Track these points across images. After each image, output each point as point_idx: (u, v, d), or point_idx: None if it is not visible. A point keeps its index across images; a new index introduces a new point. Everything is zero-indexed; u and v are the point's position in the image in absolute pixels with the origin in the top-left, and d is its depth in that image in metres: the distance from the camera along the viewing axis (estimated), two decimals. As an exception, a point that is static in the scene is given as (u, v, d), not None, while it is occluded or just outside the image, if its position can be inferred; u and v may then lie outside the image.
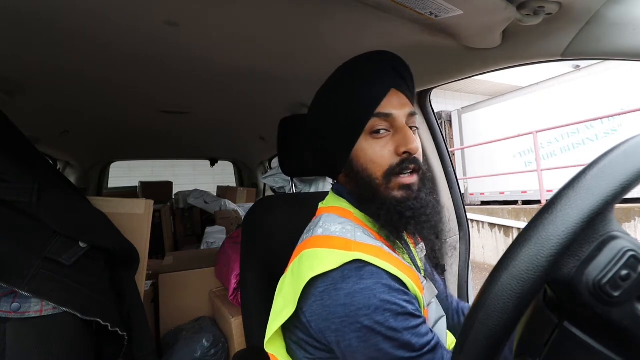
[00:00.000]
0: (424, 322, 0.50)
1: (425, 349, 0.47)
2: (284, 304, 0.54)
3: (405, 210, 0.55)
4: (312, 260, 0.52)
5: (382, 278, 0.49)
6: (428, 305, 0.60)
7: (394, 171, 0.55)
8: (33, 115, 1.25)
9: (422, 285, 0.58)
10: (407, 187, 0.56)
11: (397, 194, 0.56)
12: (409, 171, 0.56)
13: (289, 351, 0.57)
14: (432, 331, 0.51)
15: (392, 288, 0.48)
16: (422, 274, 0.65)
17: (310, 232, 0.60)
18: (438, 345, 0.49)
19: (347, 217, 0.59)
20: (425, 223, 0.56)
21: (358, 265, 0.49)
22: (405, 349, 0.46)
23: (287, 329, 0.56)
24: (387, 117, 0.56)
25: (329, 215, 0.60)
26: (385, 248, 0.55)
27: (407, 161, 0.55)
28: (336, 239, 0.53)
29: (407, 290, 0.51)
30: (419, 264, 0.67)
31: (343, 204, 0.62)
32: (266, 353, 0.66)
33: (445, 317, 0.65)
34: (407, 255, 0.61)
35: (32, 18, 0.67)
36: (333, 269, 0.49)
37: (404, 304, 0.48)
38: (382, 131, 0.56)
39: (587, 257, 0.25)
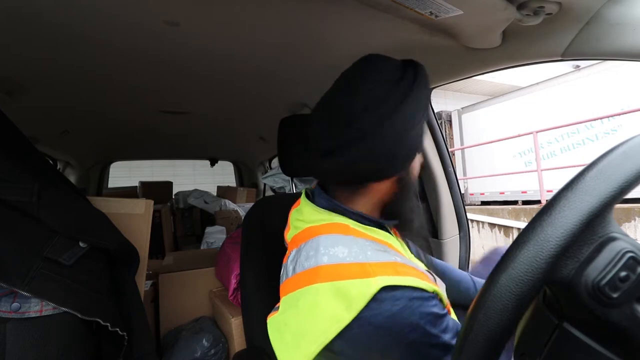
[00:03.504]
0: (447, 314, 0.52)
1: (452, 341, 0.50)
2: (294, 346, 0.52)
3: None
4: (338, 300, 0.49)
5: (413, 292, 0.49)
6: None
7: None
8: (33, 115, 1.25)
9: (432, 280, 0.57)
10: None
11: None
12: None
13: None
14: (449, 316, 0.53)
15: (423, 298, 0.49)
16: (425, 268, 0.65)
17: (311, 259, 0.55)
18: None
19: (347, 233, 0.56)
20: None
21: (389, 292, 0.48)
22: (446, 350, 0.49)
23: None
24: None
25: (327, 237, 0.55)
26: (399, 259, 0.53)
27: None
28: (349, 266, 0.51)
29: (431, 294, 0.51)
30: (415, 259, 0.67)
31: (337, 218, 0.58)
32: (266, 353, 0.66)
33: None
34: (412, 254, 0.62)
35: (32, 17, 0.67)
36: (365, 304, 0.47)
37: (436, 310, 0.50)
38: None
39: (585, 258, 0.25)
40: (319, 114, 0.56)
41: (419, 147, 0.57)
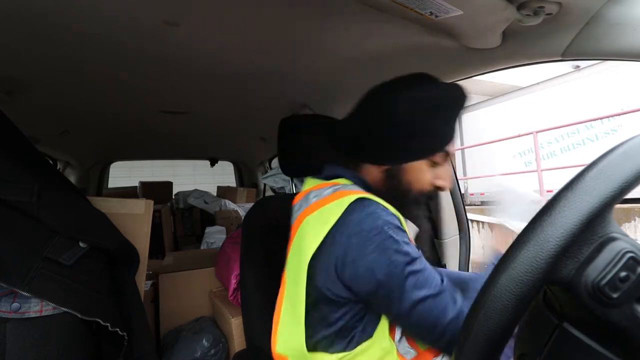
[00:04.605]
0: (407, 236, 0.59)
1: (416, 256, 0.56)
2: (294, 281, 0.60)
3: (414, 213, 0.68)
4: (319, 221, 0.58)
5: (379, 205, 0.58)
6: None
7: (423, 195, 0.65)
8: (33, 115, 1.25)
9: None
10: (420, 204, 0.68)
11: (413, 208, 0.66)
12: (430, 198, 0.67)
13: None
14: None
15: (388, 212, 0.58)
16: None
17: (302, 207, 0.65)
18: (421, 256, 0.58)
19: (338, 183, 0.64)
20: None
21: (360, 201, 0.57)
22: (407, 256, 0.54)
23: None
24: (447, 155, 0.64)
25: (317, 190, 0.65)
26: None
27: (435, 191, 0.66)
28: (332, 195, 0.60)
29: (395, 215, 0.59)
30: None
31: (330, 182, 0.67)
32: (266, 353, 0.66)
33: None
34: None
35: (32, 18, 0.67)
36: (340, 214, 0.56)
37: (398, 223, 0.57)
38: (437, 164, 0.64)
39: (585, 258, 0.25)
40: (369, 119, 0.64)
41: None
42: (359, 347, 0.58)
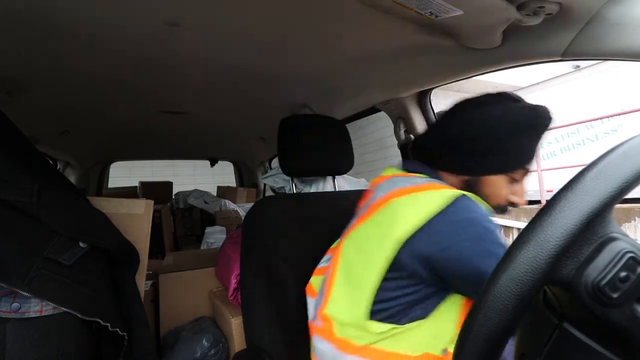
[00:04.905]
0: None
1: None
2: (369, 257, 0.61)
3: None
4: (413, 206, 0.58)
5: (474, 201, 0.59)
6: None
7: (497, 208, 0.68)
8: (33, 115, 1.25)
9: None
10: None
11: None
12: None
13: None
14: None
15: (484, 211, 0.59)
16: None
17: (385, 190, 0.64)
18: None
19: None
20: None
21: (463, 196, 0.58)
22: (502, 248, 0.54)
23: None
24: (527, 173, 0.67)
25: (407, 177, 0.66)
26: None
27: (509, 206, 0.68)
28: (425, 185, 0.61)
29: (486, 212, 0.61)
30: None
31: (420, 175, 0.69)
32: (266, 353, 0.67)
33: None
34: None
35: (32, 18, 0.67)
36: (442, 205, 0.56)
37: (492, 221, 0.59)
38: (515, 182, 0.66)
39: (585, 258, 0.25)
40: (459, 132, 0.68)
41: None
42: (413, 323, 0.60)
